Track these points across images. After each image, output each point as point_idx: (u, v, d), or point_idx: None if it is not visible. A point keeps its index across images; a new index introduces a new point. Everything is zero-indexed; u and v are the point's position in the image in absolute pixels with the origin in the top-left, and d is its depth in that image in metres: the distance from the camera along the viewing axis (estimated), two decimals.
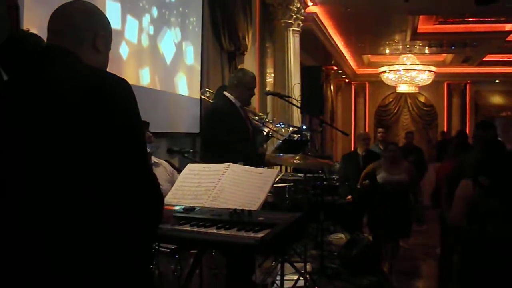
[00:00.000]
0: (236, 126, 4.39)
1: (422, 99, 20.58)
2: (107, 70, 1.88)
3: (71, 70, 1.68)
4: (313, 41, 12.36)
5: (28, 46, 2.60)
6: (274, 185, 3.00)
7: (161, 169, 3.85)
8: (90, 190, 1.57)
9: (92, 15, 1.83)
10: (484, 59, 16.89)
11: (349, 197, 7.53)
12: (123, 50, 5.01)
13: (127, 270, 1.63)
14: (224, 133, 4.29)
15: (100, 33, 1.81)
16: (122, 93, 1.66)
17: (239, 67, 7.62)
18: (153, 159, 3.86)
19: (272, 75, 9.63)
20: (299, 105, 7.23)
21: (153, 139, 3.91)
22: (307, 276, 4.92)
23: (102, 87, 1.64)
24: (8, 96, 1.68)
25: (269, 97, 8.74)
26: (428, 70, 17.11)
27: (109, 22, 1.89)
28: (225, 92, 4.62)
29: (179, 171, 3.91)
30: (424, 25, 13.22)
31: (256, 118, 5.69)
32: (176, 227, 2.28)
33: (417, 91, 19.17)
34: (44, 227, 1.54)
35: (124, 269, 1.62)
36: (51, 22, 1.80)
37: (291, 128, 6.55)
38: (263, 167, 3.98)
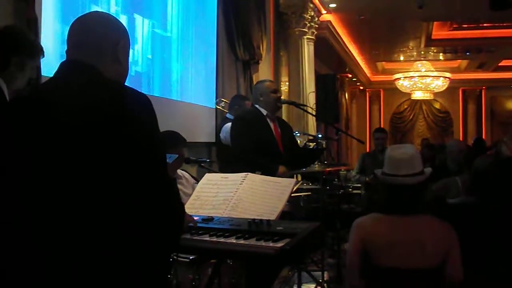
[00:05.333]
0: (259, 134, 4.41)
1: (437, 105, 20.47)
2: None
3: (91, 87, 1.68)
4: (327, 49, 12.37)
5: (16, 39, 2.60)
6: (291, 194, 3.00)
7: (184, 181, 3.86)
8: (109, 204, 1.57)
9: (111, 25, 1.83)
10: (500, 64, 16.77)
11: None
12: (140, 60, 5.06)
13: (146, 281, 1.65)
14: (246, 142, 4.32)
15: (120, 43, 1.80)
16: (142, 109, 1.67)
17: (253, 76, 7.65)
18: (177, 171, 3.88)
19: (287, 83, 9.64)
20: (314, 113, 7.24)
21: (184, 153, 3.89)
22: (325, 284, 4.91)
23: (123, 103, 1.65)
24: (27, 112, 1.68)
25: (284, 106, 8.74)
26: (443, 77, 17.02)
27: (127, 31, 1.88)
28: (255, 105, 4.67)
29: (196, 180, 3.92)
30: (439, 31, 13.18)
31: None
32: (195, 237, 2.29)
33: (432, 98, 19.08)
34: (62, 239, 1.55)
35: (142, 280, 1.64)
36: (70, 34, 1.79)
37: (306, 137, 6.55)
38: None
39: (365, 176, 7.12)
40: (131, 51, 1.93)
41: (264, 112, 4.54)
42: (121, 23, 1.88)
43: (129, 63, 1.92)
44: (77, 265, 1.55)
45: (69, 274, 1.55)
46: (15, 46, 2.56)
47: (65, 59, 1.80)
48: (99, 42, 1.77)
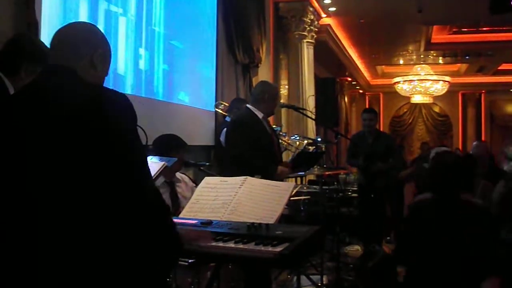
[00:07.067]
0: (257, 137, 4.41)
1: (436, 109, 20.49)
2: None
3: (69, 89, 1.73)
4: (327, 52, 12.38)
5: (27, 46, 2.63)
6: (290, 198, 3.00)
7: (182, 184, 3.87)
8: (84, 202, 1.60)
9: (91, 33, 1.90)
10: (499, 68, 16.80)
11: None
12: (140, 63, 5.06)
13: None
14: (243, 145, 4.32)
15: (98, 50, 1.86)
16: (120, 111, 1.71)
17: (253, 79, 7.66)
18: (176, 175, 3.89)
19: (287, 87, 9.65)
20: (313, 117, 7.24)
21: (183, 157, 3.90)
22: None
23: (101, 105, 1.69)
24: (12, 110, 1.73)
25: (283, 109, 8.75)
26: (443, 80, 17.03)
27: (107, 42, 1.94)
28: (248, 105, 4.66)
29: (195, 183, 3.93)
30: (438, 35, 13.20)
31: None
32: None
33: (431, 101, 19.10)
34: (47, 244, 1.58)
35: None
36: (53, 38, 1.87)
37: (306, 140, 6.55)
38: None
39: (359, 159, 6.88)
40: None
41: (260, 115, 4.54)
42: (102, 33, 1.94)
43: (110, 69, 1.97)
44: (48, 267, 1.57)
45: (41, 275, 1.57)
46: (27, 52, 2.58)
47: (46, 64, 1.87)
48: (78, 45, 1.83)
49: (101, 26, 4.20)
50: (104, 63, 1.90)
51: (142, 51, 5.09)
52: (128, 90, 4.80)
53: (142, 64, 5.10)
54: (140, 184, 1.72)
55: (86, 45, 1.83)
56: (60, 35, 1.86)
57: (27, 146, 1.63)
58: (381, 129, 20.17)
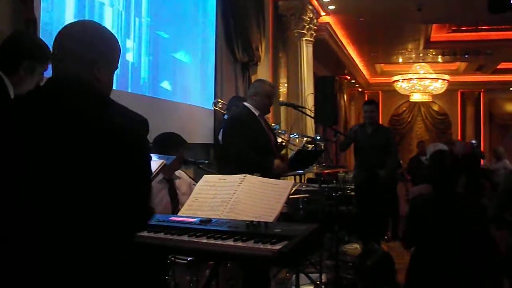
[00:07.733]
0: (254, 135, 4.42)
1: (435, 107, 20.48)
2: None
3: (74, 96, 1.71)
4: (326, 50, 12.37)
5: (26, 44, 2.63)
6: (289, 196, 3.00)
7: (181, 181, 3.88)
8: (80, 204, 1.61)
9: (91, 39, 1.79)
10: (498, 67, 16.79)
11: None
12: (139, 62, 5.05)
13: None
14: (241, 143, 4.33)
15: (98, 62, 1.78)
16: (119, 114, 1.73)
17: (252, 77, 7.65)
18: (175, 172, 3.89)
19: (286, 85, 9.65)
20: (312, 115, 7.24)
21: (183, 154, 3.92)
22: (322, 286, 4.90)
23: (100, 113, 1.70)
24: (13, 118, 1.71)
25: (283, 108, 8.76)
26: (442, 79, 17.03)
27: (111, 43, 1.86)
28: (245, 103, 4.68)
29: (193, 179, 3.94)
30: (437, 34, 13.19)
31: None
32: (193, 239, 2.28)
33: (430, 100, 19.09)
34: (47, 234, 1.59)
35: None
36: (54, 42, 1.80)
37: (305, 139, 6.55)
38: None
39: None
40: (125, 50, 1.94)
41: (256, 112, 4.56)
42: (103, 36, 1.85)
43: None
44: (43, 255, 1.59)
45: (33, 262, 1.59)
46: (26, 50, 2.57)
47: (53, 74, 1.81)
48: (79, 55, 1.76)
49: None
50: (108, 69, 1.84)
51: (129, 43, 5.05)
52: (115, 84, 4.73)
53: (130, 56, 5.05)
54: (132, 191, 1.73)
55: (85, 57, 1.75)
56: (62, 40, 1.78)
57: (27, 151, 1.63)
58: None
